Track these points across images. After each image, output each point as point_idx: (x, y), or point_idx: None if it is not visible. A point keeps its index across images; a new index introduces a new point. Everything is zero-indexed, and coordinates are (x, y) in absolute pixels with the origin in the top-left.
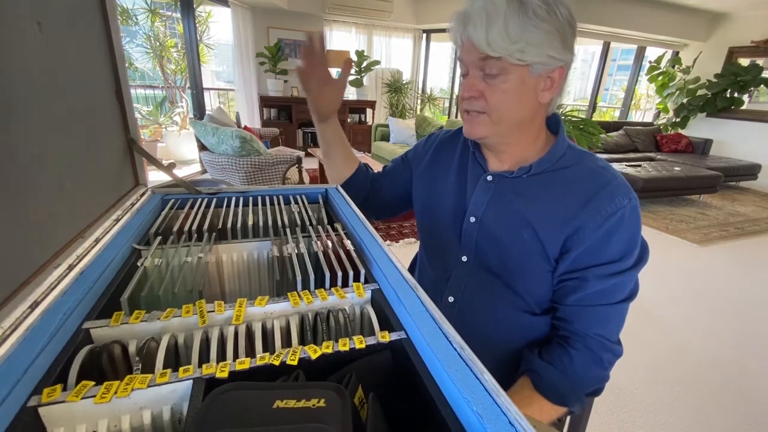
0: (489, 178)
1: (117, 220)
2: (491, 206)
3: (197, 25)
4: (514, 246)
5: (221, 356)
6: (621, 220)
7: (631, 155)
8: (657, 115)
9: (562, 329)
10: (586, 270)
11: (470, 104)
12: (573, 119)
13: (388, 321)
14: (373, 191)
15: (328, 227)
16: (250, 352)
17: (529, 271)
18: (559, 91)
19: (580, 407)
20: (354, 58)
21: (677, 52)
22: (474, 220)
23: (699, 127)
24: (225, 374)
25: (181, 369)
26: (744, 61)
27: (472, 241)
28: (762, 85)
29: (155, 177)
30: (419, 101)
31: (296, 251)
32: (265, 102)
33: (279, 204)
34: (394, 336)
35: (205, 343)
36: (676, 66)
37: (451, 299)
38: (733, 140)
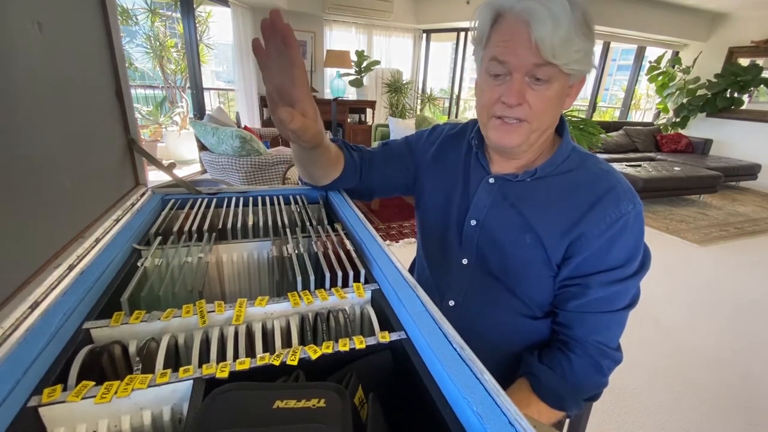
0: (491, 180)
1: (117, 220)
2: (493, 209)
3: (197, 25)
4: (515, 250)
5: (221, 356)
6: (625, 227)
7: (631, 155)
8: (657, 115)
9: (561, 334)
10: (589, 277)
11: (512, 112)
12: (573, 119)
13: (388, 321)
14: (364, 174)
15: (328, 227)
16: (250, 353)
17: (530, 275)
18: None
19: (577, 412)
20: (354, 57)
21: (677, 52)
22: (475, 223)
23: (699, 127)
24: (225, 374)
25: (181, 369)
26: (744, 61)
27: (473, 245)
28: (762, 85)
29: (155, 177)
30: (419, 101)
31: (296, 251)
32: (265, 102)
33: (279, 204)
34: (394, 336)
35: (205, 343)
36: (676, 66)
37: (451, 303)
38: (733, 140)
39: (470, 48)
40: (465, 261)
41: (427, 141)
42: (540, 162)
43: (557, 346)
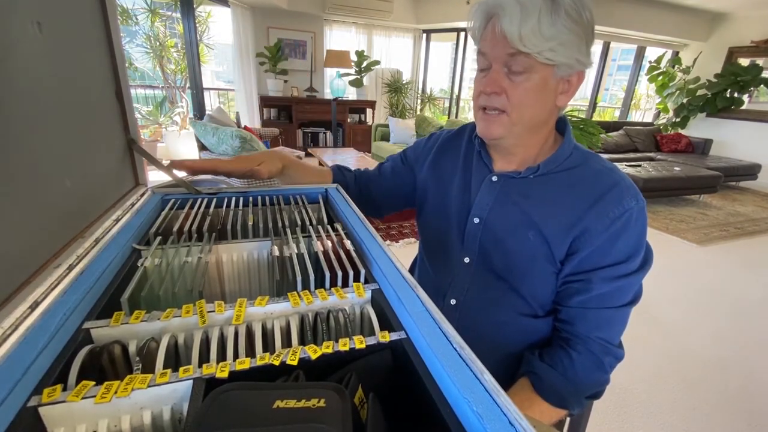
0: (494, 178)
1: (117, 220)
2: (496, 207)
3: (197, 25)
4: (518, 248)
5: (221, 356)
6: (628, 222)
7: (631, 155)
8: (657, 115)
9: (563, 331)
10: (592, 272)
11: (490, 100)
12: (573, 119)
13: (388, 321)
14: (364, 193)
15: (328, 227)
16: (250, 352)
17: (533, 273)
18: (573, 95)
19: (580, 410)
20: (354, 57)
21: (677, 52)
22: (478, 221)
23: (699, 127)
24: (225, 374)
25: (181, 369)
26: (744, 61)
27: (476, 243)
28: (762, 85)
29: (155, 177)
30: (419, 101)
31: (296, 251)
32: (265, 102)
33: (279, 204)
34: (394, 336)
35: (205, 343)
36: (676, 66)
37: (453, 302)
38: (733, 140)
39: (471, 48)
40: (467, 260)
41: (426, 147)
42: (541, 159)
43: (559, 344)
